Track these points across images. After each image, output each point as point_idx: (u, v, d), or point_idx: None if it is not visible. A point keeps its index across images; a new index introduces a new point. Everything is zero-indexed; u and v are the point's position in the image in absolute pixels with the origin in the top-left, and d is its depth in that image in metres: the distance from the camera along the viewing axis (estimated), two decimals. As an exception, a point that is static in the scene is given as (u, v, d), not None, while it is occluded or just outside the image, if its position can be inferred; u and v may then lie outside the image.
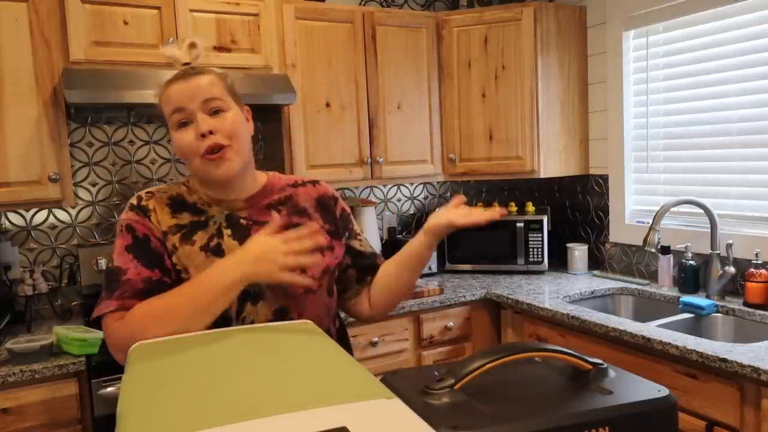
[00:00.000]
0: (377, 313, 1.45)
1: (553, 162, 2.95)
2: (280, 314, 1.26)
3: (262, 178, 1.37)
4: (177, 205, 1.29)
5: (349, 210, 1.45)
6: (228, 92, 1.26)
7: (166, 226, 1.26)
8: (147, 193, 1.30)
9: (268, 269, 1.14)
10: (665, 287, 2.61)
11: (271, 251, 1.14)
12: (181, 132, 1.22)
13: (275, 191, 1.35)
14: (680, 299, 2.38)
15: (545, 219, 2.99)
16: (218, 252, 1.25)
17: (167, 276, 1.23)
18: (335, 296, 1.39)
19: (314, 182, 1.42)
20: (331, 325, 1.39)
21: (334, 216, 1.39)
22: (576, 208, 3.21)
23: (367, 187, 3.23)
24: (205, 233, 1.26)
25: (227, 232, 1.27)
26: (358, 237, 1.44)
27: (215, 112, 1.23)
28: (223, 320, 1.21)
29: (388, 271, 1.43)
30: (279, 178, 1.39)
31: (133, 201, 1.29)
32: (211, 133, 1.21)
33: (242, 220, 1.29)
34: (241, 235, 1.27)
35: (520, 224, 3.01)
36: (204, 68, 1.26)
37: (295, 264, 1.15)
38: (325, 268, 1.32)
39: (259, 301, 1.25)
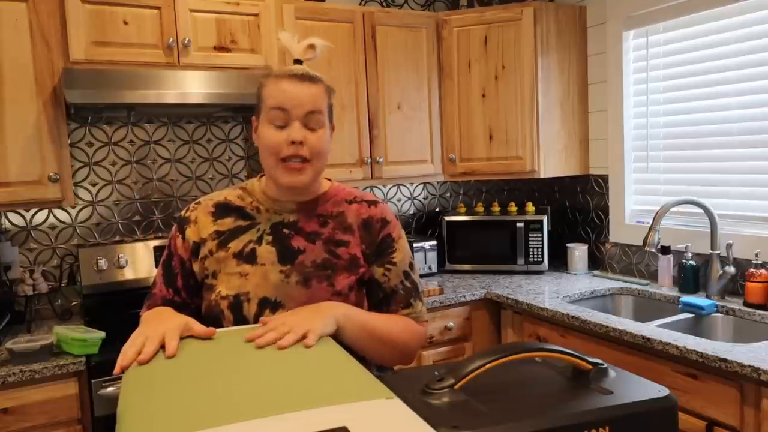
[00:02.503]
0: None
1: (553, 162, 2.95)
2: None
3: (324, 185, 1.37)
4: (221, 210, 1.33)
5: (397, 237, 1.36)
6: (327, 109, 1.27)
7: (206, 233, 1.31)
8: (195, 203, 1.36)
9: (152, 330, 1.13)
10: (665, 287, 2.61)
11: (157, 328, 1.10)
12: (272, 129, 1.23)
13: (330, 203, 1.35)
14: (680, 299, 2.38)
15: (545, 219, 2.99)
16: (250, 259, 1.27)
17: (178, 296, 1.31)
18: None
19: (372, 202, 1.37)
20: None
21: (375, 238, 1.34)
22: (576, 208, 3.21)
23: (367, 187, 3.22)
24: (242, 240, 1.29)
25: (268, 239, 1.29)
26: (387, 266, 1.34)
27: (311, 127, 1.24)
28: (241, 325, 1.23)
29: None
30: (340, 190, 1.39)
31: (182, 212, 1.36)
32: (301, 143, 1.23)
33: (285, 229, 1.31)
34: (280, 244, 1.29)
35: (520, 224, 3.01)
36: (317, 76, 1.27)
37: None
38: (352, 283, 1.31)
39: (278, 310, 1.25)
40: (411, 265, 1.38)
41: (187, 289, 1.31)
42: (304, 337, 1.06)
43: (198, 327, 1.10)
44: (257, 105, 1.29)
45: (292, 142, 1.22)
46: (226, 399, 0.80)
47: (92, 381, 2.02)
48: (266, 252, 1.28)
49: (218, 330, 1.14)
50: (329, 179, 1.42)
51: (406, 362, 1.34)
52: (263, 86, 1.27)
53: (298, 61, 1.30)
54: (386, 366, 1.37)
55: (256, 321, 1.24)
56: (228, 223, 1.31)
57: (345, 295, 1.29)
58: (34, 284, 2.41)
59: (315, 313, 1.16)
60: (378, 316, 1.30)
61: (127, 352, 1.02)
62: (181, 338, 1.07)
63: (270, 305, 1.25)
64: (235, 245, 1.29)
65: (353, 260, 1.31)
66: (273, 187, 1.32)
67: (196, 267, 1.30)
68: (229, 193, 1.36)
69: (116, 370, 1.00)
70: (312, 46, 1.30)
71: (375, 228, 1.35)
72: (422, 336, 1.36)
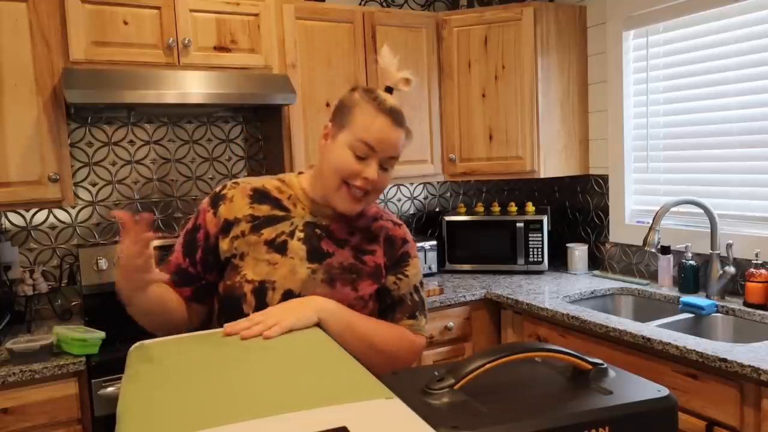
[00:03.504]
0: None
1: (553, 162, 2.95)
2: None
3: None
4: (259, 196, 1.34)
5: (413, 255, 1.42)
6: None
7: (241, 214, 1.31)
8: (233, 182, 1.35)
9: (130, 280, 1.17)
10: (665, 287, 2.61)
11: (124, 261, 1.15)
12: (351, 156, 1.24)
13: (362, 218, 1.38)
14: (680, 299, 2.38)
15: (545, 219, 2.99)
16: (281, 249, 1.28)
17: (193, 267, 1.32)
18: None
19: (397, 224, 1.42)
20: None
21: (395, 253, 1.39)
22: (576, 208, 3.21)
23: (367, 187, 3.22)
24: (275, 229, 1.30)
25: (299, 234, 1.30)
26: (399, 276, 1.38)
27: (385, 167, 1.28)
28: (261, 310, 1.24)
29: None
30: (370, 207, 1.42)
31: (217, 188, 1.36)
32: (372, 180, 1.25)
33: (317, 230, 1.32)
34: (311, 242, 1.30)
35: (520, 224, 3.01)
36: (404, 118, 1.28)
37: (142, 263, 1.14)
38: (373, 292, 1.34)
39: None
40: (421, 284, 1.44)
41: (204, 264, 1.31)
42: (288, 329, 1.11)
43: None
44: (342, 116, 1.28)
45: (366, 179, 1.24)
46: (226, 399, 0.80)
47: (92, 381, 2.02)
48: (297, 247, 1.29)
49: (218, 330, 1.14)
50: None
51: (395, 370, 1.35)
52: (356, 106, 1.27)
53: (389, 89, 1.31)
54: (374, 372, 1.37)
55: None
56: (264, 209, 1.32)
57: (365, 301, 1.32)
58: (34, 284, 2.41)
59: (296, 307, 1.17)
60: (369, 320, 1.30)
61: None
62: (182, 338, 1.08)
63: (293, 298, 1.26)
64: (268, 233, 1.29)
65: (377, 269, 1.35)
66: (317, 191, 1.33)
67: (224, 244, 1.30)
68: (267, 182, 1.37)
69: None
70: (408, 81, 1.31)
71: (397, 245, 1.40)
72: (416, 348, 1.37)
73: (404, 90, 1.32)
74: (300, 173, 1.40)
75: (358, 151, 1.24)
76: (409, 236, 1.44)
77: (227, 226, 1.30)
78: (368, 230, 1.37)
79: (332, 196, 1.28)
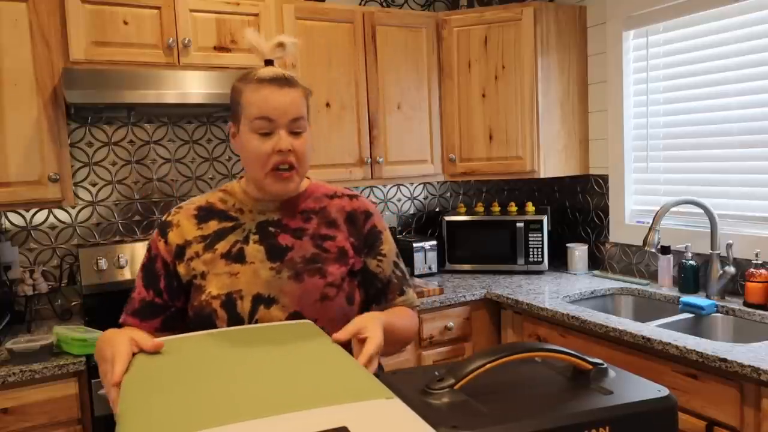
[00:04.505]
0: None
1: (553, 162, 2.95)
2: (295, 318, 1.26)
3: (303, 183, 1.39)
4: (204, 214, 1.33)
5: (382, 228, 1.40)
6: (307, 111, 1.29)
7: (191, 236, 1.30)
8: (177, 208, 1.35)
9: (100, 362, 1.09)
10: (665, 287, 2.61)
11: (104, 355, 1.07)
12: (257, 139, 1.23)
13: (312, 199, 1.37)
14: (680, 299, 2.38)
15: (545, 219, 2.99)
16: (239, 258, 1.28)
17: (159, 297, 1.30)
18: (357, 305, 1.35)
19: (353, 196, 1.41)
20: None
21: (361, 231, 1.37)
22: (576, 208, 3.21)
23: (367, 187, 3.23)
24: (228, 241, 1.29)
25: (254, 238, 1.30)
26: (379, 258, 1.38)
27: (296, 132, 1.25)
28: (236, 322, 1.23)
29: None
30: (320, 186, 1.41)
31: (164, 217, 1.35)
32: (289, 150, 1.23)
33: (271, 228, 1.31)
34: (268, 242, 1.30)
35: (520, 224, 3.01)
36: (294, 79, 1.26)
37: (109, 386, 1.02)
38: (344, 273, 1.32)
39: (272, 305, 1.25)
40: (397, 255, 1.44)
41: (169, 291, 1.30)
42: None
43: (145, 341, 1.05)
44: (235, 110, 1.28)
45: (280, 151, 1.22)
46: (226, 399, 0.80)
47: (92, 381, 2.02)
48: (254, 251, 1.29)
49: (218, 330, 1.14)
50: (308, 177, 1.43)
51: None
52: (241, 92, 1.25)
53: (268, 62, 1.29)
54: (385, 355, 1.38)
55: (251, 318, 1.24)
56: (212, 225, 1.31)
57: (338, 285, 1.30)
58: (34, 284, 2.41)
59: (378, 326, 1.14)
60: (393, 314, 1.31)
61: (109, 393, 0.99)
62: (182, 338, 1.08)
63: (264, 301, 1.25)
64: (222, 246, 1.29)
65: (342, 252, 1.33)
66: (254, 188, 1.32)
67: (181, 269, 1.29)
68: (211, 196, 1.36)
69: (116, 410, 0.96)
70: (281, 44, 1.28)
71: (360, 220, 1.38)
72: (417, 322, 1.42)
73: (281, 55, 1.29)
74: (240, 177, 1.39)
75: (260, 129, 1.23)
76: (371, 206, 1.41)
77: (180, 251, 1.30)
78: (324, 212, 1.36)
79: (264, 186, 1.26)
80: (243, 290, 1.25)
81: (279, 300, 1.26)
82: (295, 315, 1.26)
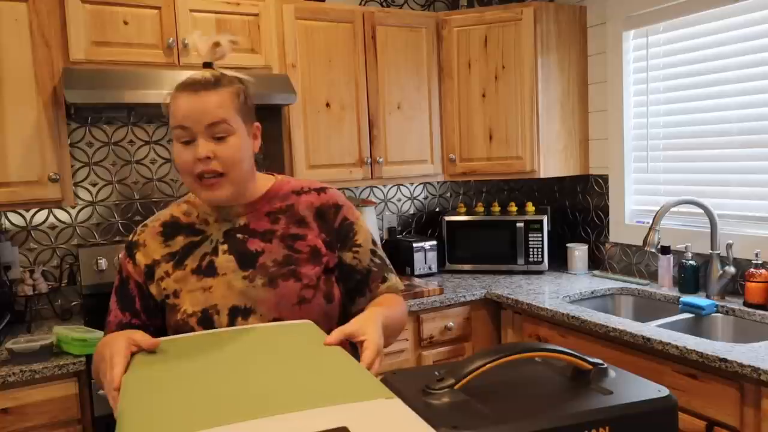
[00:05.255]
0: None
1: (553, 162, 2.95)
2: None
3: (266, 182, 1.34)
4: (170, 231, 1.30)
5: (354, 219, 1.36)
6: (238, 112, 1.21)
7: (158, 255, 1.28)
8: (142, 226, 1.32)
9: (96, 375, 1.12)
10: (665, 287, 2.61)
11: (101, 364, 1.09)
12: (180, 148, 1.20)
13: (278, 198, 1.32)
14: (680, 299, 2.38)
15: (545, 219, 2.99)
16: (210, 271, 1.25)
17: (137, 318, 1.27)
18: (337, 302, 1.32)
19: (321, 189, 1.36)
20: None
21: (332, 226, 1.33)
22: (576, 208, 3.21)
23: (367, 187, 3.23)
24: (197, 256, 1.27)
25: (223, 248, 1.27)
26: (354, 249, 1.34)
27: (219, 137, 1.19)
28: None
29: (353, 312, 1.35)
30: (285, 183, 1.35)
31: (129, 237, 1.32)
32: (209, 158, 1.18)
33: (239, 234, 1.28)
34: (237, 250, 1.27)
35: (520, 224, 3.01)
36: (219, 79, 1.21)
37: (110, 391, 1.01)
38: (318, 272, 1.29)
39: (250, 316, 1.23)
40: (374, 242, 1.38)
41: (146, 311, 1.28)
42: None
43: (144, 340, 1.05)
44: (167, 122, 1.25)
45: (199, 159, 1.18)
46: (226, 399, 0.80)
47: (92, 381, 2.02)
48: (225, 261, 1.25)
49: (218, 330, 1.14)
50: (273, 174, 1.38)
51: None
52: (167, 105, 1.22)
53: (207, 65, 1.25)
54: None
55: None
56: (179, 241, 1.28)
57: (314, 286, 1.27)
58: (34, 284, 2.41)
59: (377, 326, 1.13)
60: (384, 306, 1.27)
61: (109, 393, 0.99)
62: (182, 338, 1.08)
63: (240, 313, 1.23)
64: (191, 262, 1.26)
65: (314, 251, 1.29)
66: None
67: (152, 289, 1.27)
68: (175, 210, 1.33)
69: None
70: (217, 44, 1.23)
71: (329, 214, 1.33)
72: (406, 307, 1.40)
73: (219, 54, 1.24)
74: None
75: (180, 138, 1.19)
76: (341, 198, 1.36)
77: (149, 271, 1.27)
78: (291, 210, 1.32)
79: (196, 194, 1.23)
80: (218, 304, 1.23)
81: (256, 309, 1.23)
82: (275, 321, 1.23)
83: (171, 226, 1.30)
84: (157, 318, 1.29)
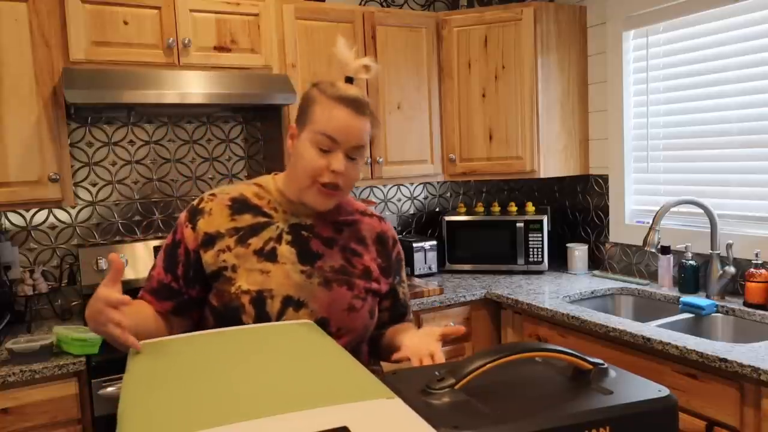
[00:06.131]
0: (379, 359, 1.50)
1: (553, 162, 2.95)
2: (321, 325, 1.27)
3: None
4: (238, 206, 1.32)
5: (403, 256, 1.48)
6: (369, 141, 1.29)
7: (224, 227, 1.29)
8: (210, 195, 1.33)
9: (93, 322, 1.08)
10: (665, 287, 2.61)
11: (92, 306, 1.07)
12: (315, 152, 1.23)
13: (344, 212, 1.38)
14: (680, 299, 2.38)
15: (545, 219, 2.99)
16: (271, 257, 1.28)
17: (176, 282, 1.29)
18: (375, 321, 1.39)
19: (381, 218, 1.45)
20: (362, 344, 1.39)
21: (389, 255, 1.42)
22: (576, 208, 3.21)
23: (367, 187, 3.23)
24: (262, 237, 1.29)
25: (287, 238, 1.30)
26: (403, 285, 1.46)
27: (352, 158, 1.25)
28: (262, 321, 1.24)
29: (386, 339, 1.45)
30: (351, 201, 1.42)
31: (195, 201, 1.34)
32: (341, 173, 1.24)
33: (304, 232, 1.32)
34: (300, 245, 1.30)
35: (520, 224, 3.01)
36: (368, 107, 1.26)
37: (108, 320, 1.05)
38: (368, 288, 1.35)
39: (301, 309, 1.26)
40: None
41: (185, 278, 1.29)
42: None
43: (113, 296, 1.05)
44: (302, 115, 1.27)
45: (333, 171, 1.23)
46: (226, 399, 0.80)
47: (92, 381, 2.02)
48: (287, 251, 1.29)
49: (218, 330, 1.14)
50: None
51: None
52: (314, 102, 1.25)
53: (349, 79, 1.29)
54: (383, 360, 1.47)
55: (278, 318, 1.25)
56: (246, 219, 1.30)
57: (363, 298, 1.33)
58: (34, 284, 2.41)
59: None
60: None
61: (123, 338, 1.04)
62: (182, 338, 1.08)
63: (293, 304, 1.26)
64: (255, 242, 1.28)
65: (366, 271, 1.36)
66: (292, 191, 1.31)
67: (208, 257, 1.27)
68: (245, 189, 1.35)
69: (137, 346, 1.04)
70: (368, 67, 1.28)
71: (389, 245, 1.43)
72: None
73: (364, 77, 1.29)
74: (275, 174, 1.38)
75: (321, 145, 1.23)
76: (394, 231, 1.47)
77: (209, 240, 1.28)
78: (355, 227, 1.38)
79: (304, 195, 1.27)
80: (274, 290, 1.26)
81: (308, 304, 1.27)
82: (321, 321, 1.27)
83: (240, 203, 1.32)
84: (194, 288, 1.30)
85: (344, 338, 1.30)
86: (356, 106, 1.23)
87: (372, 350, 1.47)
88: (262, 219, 1.31)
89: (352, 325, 1.31)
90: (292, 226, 1.32)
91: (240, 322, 1.24)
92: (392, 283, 1.42)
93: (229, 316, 1.25)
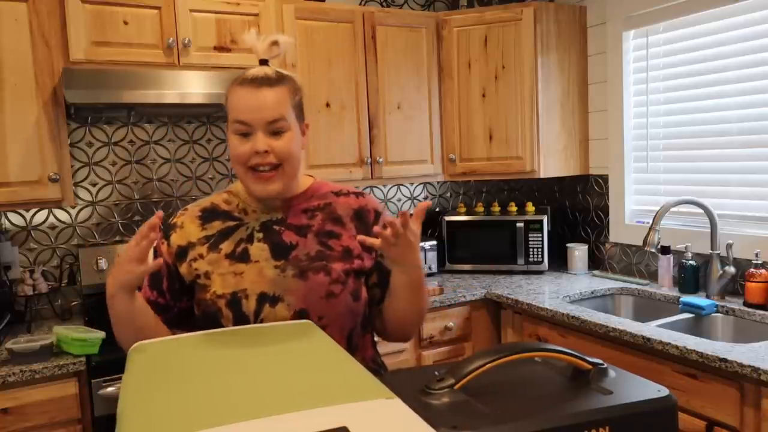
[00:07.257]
0: (395, 339, 1.44)
1: (553, 162, 2.95)
2: (301, 317, 1.26)
3: (306, 182, 1.39)
4: (208, 215, 1.34)
5: None
6: (293, 109, 1.26)
7: (195, 237, 1.31)
8: (182, 210, 1.37)
9: (122, 270, 1.15)
10: (665, 287, 2.61)
11: (122, 253, 1.15)
12: (238, 140, 1.24)
13: (316, 196, 1.37)
14: (680, 299, 2.38)
15: (545, 219, 2.99)
16: (244, 257, 1.28)
17: (162, 297, 1.32)
18: (363, 301, 1.35)
19: (359, 194, 1.41)
20: (356, 330, 1.35)
21: (369, 229, 1.37)
22: (576, 208, 3.21)
23: (367, 187, 3.23)
24: (233, 240, 1.30)
25: (258, 236, 1.30)
26: None
27: (275, 133, 1.23)
28: (241, 321, 1.24)
29: (385, 305, 1.40)
30: (323, 184, 1.40)
31: (169, 219, 1.37)
32: (266, 152, 1.23)
33: (275, 226, 1.32)
34: (272, 240, 1.30)
35: (520, 224, 3.01)
36: (277, 77, 1.25)
37: (137, 252, 1.13)
38: (347, 269, 1.31)
39: (278, 304, 1.26)
40: None
41: (171, 292, 1.32)
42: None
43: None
44: (226, 111, 1.28)
45: (257, 152, 1.22)
46: (226, 399, 0.80)
47: (92, 381, 2.02)
48: (258, 249, 1.29)
49: (218, 330, 1.14)
50: (312, 176, 1.43)
51: (410, 336, 1.42)
52: (228, 94, 1.26)
53: (263, 62, 1.29)
54: (398, 337, 1.42)
55: (256, 317, 1.25)
56: (216, 225, 1.32)
57: (343, 281, 1.30)
58: (34, 284, 2.41)
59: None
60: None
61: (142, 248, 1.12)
62: (182, 338, 1.08)
63: (269, 300, 1.26)
64: (226, 246, 1.30)
65: (346, 251, 1.33)
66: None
67: (183, 269, 1.30)
68: (215, 198, 1.37)
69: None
70: (275, 43, 1.28)
71: (369, 218, 1.38)
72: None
73: (277, 53, 1.29)
74: None
75: (239, 131, 1.23)
76: (378, 204, 1.42)
77: (182, 252, 1.31)
78: (329, 209, 1.36)
79: (248, 186, 1.27)
80: (248, 289, 1.26)
81: (284, 298, 1.26)
82: (300, 313, 1.26)
83: (210, 212, 1.35)
84: (182, 300, 1.33)
85: (330, 327, 1.27)
86: (258, 82, 1.23)
87: (380, 329, 1.42)
88: (231, 223, 1.32)
89: (332, 311, 1.28)
90: (264, 224, 1.32)
91: (220, 326, 1.25)
92: (376, 257, 1.37)
93: (210, 322, 1.26)
